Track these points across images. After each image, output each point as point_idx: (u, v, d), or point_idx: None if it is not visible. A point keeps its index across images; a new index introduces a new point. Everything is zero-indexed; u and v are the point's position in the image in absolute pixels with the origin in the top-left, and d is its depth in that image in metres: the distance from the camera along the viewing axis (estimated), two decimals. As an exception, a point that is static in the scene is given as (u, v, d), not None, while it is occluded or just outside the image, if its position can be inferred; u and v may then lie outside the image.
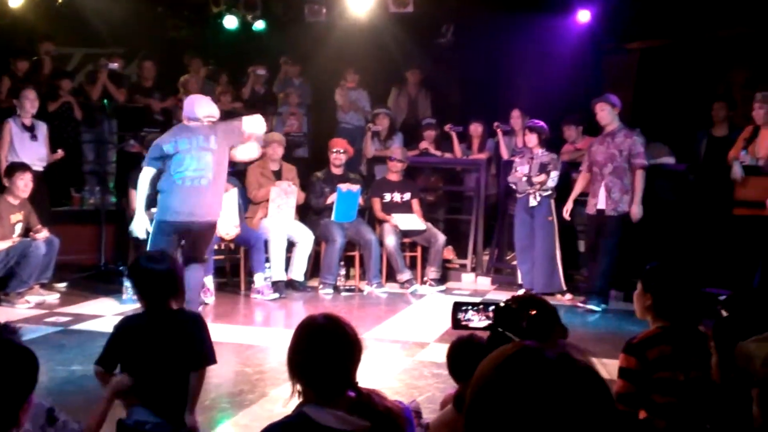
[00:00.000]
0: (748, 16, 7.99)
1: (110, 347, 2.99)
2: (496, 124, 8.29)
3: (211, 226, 5.76)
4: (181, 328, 3.01)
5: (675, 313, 2.79)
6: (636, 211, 6.63)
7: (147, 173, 5.53)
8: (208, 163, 5.48)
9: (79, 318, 5.99)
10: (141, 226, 5.63)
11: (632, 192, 6.63)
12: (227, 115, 8.65)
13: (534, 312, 2.02)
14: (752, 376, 1.80)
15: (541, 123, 7.28)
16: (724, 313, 3.36)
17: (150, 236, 5.50)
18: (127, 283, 6.58)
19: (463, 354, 2.65)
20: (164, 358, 2.94)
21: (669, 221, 7.09)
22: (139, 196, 5.62)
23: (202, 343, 3.06)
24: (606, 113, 6.72)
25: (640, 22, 8.65)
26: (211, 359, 3.09)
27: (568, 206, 7.04)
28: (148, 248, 5.35)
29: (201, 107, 5.58)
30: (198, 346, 3.04)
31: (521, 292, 7.12)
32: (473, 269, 8.19)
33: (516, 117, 8.31)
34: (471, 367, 2.51)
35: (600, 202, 6.76)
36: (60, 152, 7.45)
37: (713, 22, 8.30)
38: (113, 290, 6.86)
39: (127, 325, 3.05)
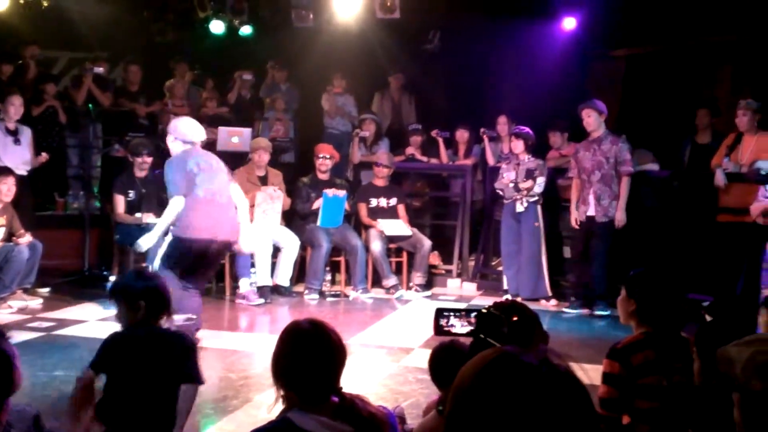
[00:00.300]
0: (732, 23, 8.06)
1: (104, 354, 2.88)
2: (482, 130, 8.32)
3: (227, 248, 5.51)
4: (170, 346, 2.92)
5: (658, 318, 2.80)
6: (620, 218, 6.69)
7: (179, 203, 5.06)
8: (224, 182, 5.28)
9: (63, 323, 5.94)
10: (150, 242, 5.39)
11: (611, 192, 6.72)
12: (213, 120, 8.67)
13: (515, 318, 2.02)
14: (733, 380, 1.81)
15: (527, 129, 7.31)
16: (708, 318, 3.39)
17: (163, 254, 5.08)
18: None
19: (444, 360, 2.64)
20: (154, 375, 2.85)
21: (653, 228, 7.14)
22: (163, 223, 5.19)
23: (192, 363, 2.98)
24: (593, 119, 6.76)
25: (626, 29, 8.71)
26: (200, 379, 3.01)
27: (575, 215, 7.01)
28: (159, 265, 4.99)
29: (198, 130, 5.34)
30: (188, 365, 2.96)
31: (506, 297, 7.14)
32: (459, 275, 8.20)
33: (502, 123, 8.34)
34: (452, 373, 2.51)
35: (590, 208, 6.82)
36: (44, 155, 7.39)
37: (698, 30, 8.37)
38: (97, 295, 6.82)
39: (122, 335, 2.96)
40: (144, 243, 5.44)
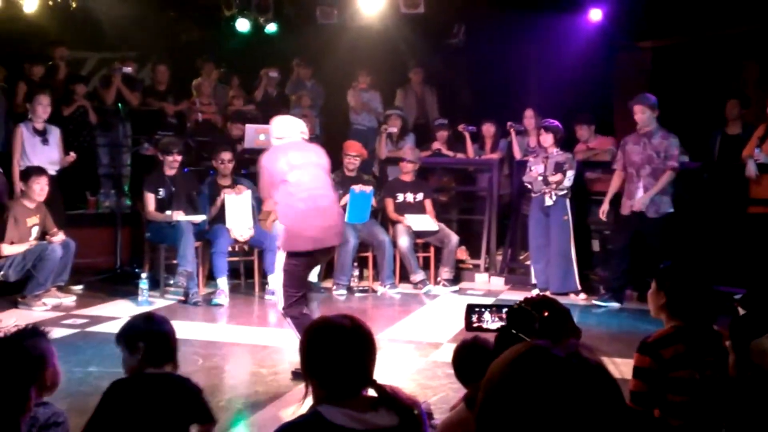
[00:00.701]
0: (759, 13, 7.94)
1: (99, 416, 2.57)
2: (509, 123, 8.28)
3: (332, 252, 5.15)
4: (174, 390, 2.66)
5: (689, 312, 2.78)
6: (643, 201, 6.58)
7: (272, 205, 4.78)
8: (325, 180, 4.83)
9: (96, 320, 6.04)
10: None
11: (655, 186, 6.58)
12: (240, 116, 8.74)
13: (546, 313, 2.02)
14: (766, 372, 1.80)
15: (556, 123, 7.27)
16: (741, 311, 3.35)
17: (283, 276, 4.64)
18: (142, 285, 6.64)
19: (468, 357, 2.65)
20: (159, 422, 2.58)
21: (683, 220, 7.05)
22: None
23: (200, 404, 2.72)
24: (646, 116, 6.61)
25: (652, 20, 8.61)
26: (210, 417, 2.75)
27: (605, 207, 6.96)
28: (284, 291, 4.60)
29: (289, 124, 4.92)
30: (196, 407, 2.70)
31: (535, 291, 7.11)
32: (486, 269, 8.18)
33: (529, 117, 8.30)
34: (476, 369, 2.52)
35: (637, 203, 6.68)
36: (72, 155, 7.48)
37: (725, 20, 8.26)
38: (129, 292, 6.92)
39: (118, 391, 2.63)
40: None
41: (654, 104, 6.64)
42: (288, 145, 4.76)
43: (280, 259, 4.68)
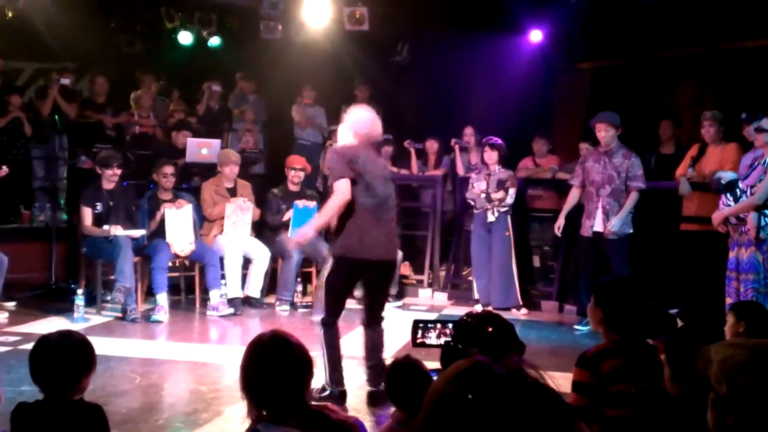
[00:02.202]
0: (693, 37, 8.24)
1: None
2: (453, 140, 8.39)
3: (393, 266, 4.82)
4: (82, 423, 2.44)
5: (626, 326, 2.85)
6: (614, 224, 6.40)
7: (347, 186, 4.33)
8: (391, 193, 4.58)
9: (29, 337, 5.83)
10: (305, 235, 4.79)
11: (620, 208, 6.44)
12: (185, 125, 8.63)
13: (491, 329, 2.05)
14: (708, 380, 1.84)
15: (500, 141, 7.38)
16: (680, 323, 3.45)
17: (328, 281, 4.46)
18: (78, 301, 6.47)
19: (399, 376, 2.65)
20: None
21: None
22: (329, 212, 4.44)
23: None
24: (609, 135, 6.48)
25: (591, 42, 8.86)
26: None
27: (560, 222, 6.81)
28: (326, 296, 4.45)
29: (376, 123, 4.55)
30: None
31: (478, 307, 7.19)
32: (430, 285, 8.23)
33: (469, 134, 8.43)
34: (408, 388, 2.52)
35: (597, 224, 6.54)
36: (4, 169, 7.25)
37: (660, 43, 8.55)
38: (64, 309, 6.73)
39: (26, 418, 2.44)
40: (299, 235, 4.87)
41: (617, 122, 6.54)
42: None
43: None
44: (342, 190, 4.30)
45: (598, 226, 6.54)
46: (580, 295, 6.75)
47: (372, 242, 4.36)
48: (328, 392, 4.46)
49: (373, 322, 4.66)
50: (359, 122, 4.52)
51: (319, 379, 4.40)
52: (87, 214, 6.87)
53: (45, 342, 2.53)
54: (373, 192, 4.38)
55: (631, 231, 6.55)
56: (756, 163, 5.60)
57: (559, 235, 6.94)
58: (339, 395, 4.48)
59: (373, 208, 4.39)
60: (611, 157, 6.52)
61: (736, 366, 1.79)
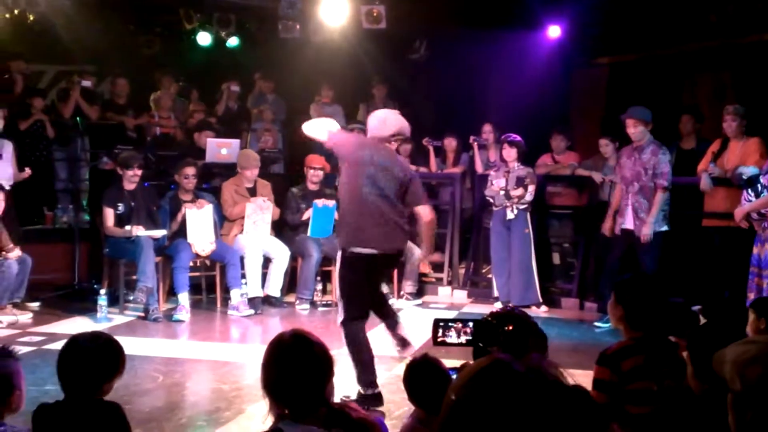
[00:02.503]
0: (712, 30, 8.16)
1: None
2: (472, 138, 8.37)
3: (389, 260, 4.69)
4: (103, 422, 2.45)
5: (646, 323, 2.84)
6: (645, 231, 6.28)
7: (336, 128, 4.57)
8: (396, 193, 4.45)
9: (53, 337, 5.91)
10: None
11: (649, 206, 6.33)
12: (206, 125, 8.68)
13: (510, 327, 2.06)
14: (724, 381, 1.84)
15: (519, 137, 7.35)
16: (703, 320, 3.43)
17: (339, 276, 4.46)
18: (101, 301, 6.54)
19: (418, 375, 2.65)
20: None
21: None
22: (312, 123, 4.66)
23: None
24: (639, 130, 6.37)
25: (609, 37, 8.80)
26: None
27: (608, 223, 6.66)
28: (340, 293, 4.45)
29: (388, 121, 4.56)
30: None
31: (498, 305, 7.17)
32: (449, 283, 8.23)
33: (488, 131, 8.40)
34: (427, 387, 2.52)
35: (627, 221, 6.46)
36: (27, 171, 7.35)
37: (679, 37, 8.47)
38: (87, 309, 6.80)
39: (47, 419, 2.45)
40: None
41: (647, 117, 6.42)
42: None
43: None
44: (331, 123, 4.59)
45: (629, 224, 6.45)
46: (603, 292, 6.68)
47: (368, 236, 4.34)
48: (363, 395, 4.32)
49: (381, 316, 4.71)
50: (370, 122, 4.67)
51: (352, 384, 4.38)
52: (109, 215, 6.94)
53: (75, 342, 2.54)
54: (377, 185, 4.36)
55: (666, 229, 6.39)
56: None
57: (609, 235, 6.70)
58: (374, 398, 4.34)
59: (375, 201, 4.35)
60: (641, 153, 6.42)
61: (748, 361, 1.78)
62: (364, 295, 4.45)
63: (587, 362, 3.21)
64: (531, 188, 7.26)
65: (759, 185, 5.54)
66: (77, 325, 6.39)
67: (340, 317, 4.46)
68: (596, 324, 6.66)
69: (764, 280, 5.43)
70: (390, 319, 4.76)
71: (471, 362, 1.48)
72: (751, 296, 5.43)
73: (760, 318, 3.39)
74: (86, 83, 8.66)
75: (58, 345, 5.80)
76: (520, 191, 7.24)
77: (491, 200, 7.49)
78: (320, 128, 4.59)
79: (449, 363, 2.60)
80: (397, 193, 4.44)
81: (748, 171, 5.78)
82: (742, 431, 1.81)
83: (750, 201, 5.60)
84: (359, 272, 4.36)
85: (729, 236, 6.23)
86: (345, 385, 4.26)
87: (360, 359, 4.39)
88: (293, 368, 2.05)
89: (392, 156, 4.56)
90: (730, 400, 1.84)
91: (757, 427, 1.77)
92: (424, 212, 4.60)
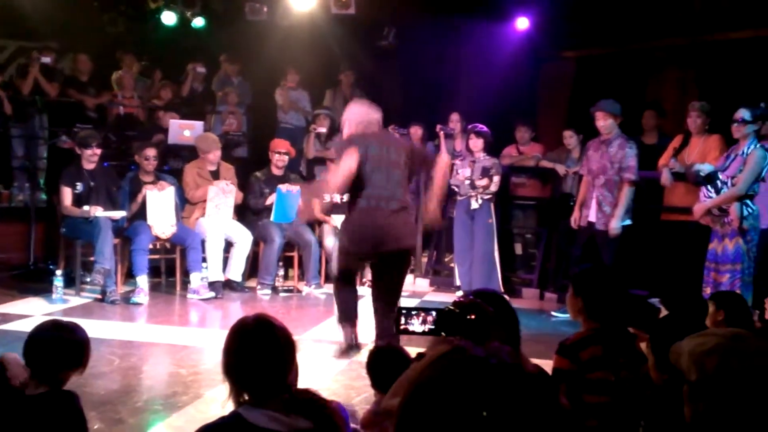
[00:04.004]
0: (678, 27, 8.27)
1: None
2: (438, 126, 8.35)
3: (406, 254, 4.85)
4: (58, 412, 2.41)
5: (605, 314, 2.87)
6: (613, 226, 6.30)
7: (352, 159, 4.43)
8: (398, 181, 4.61)
9: (7, 318, 5.79)
10: None
11: (613, 199, 6.36)
12: (172, 106, 8.54)
13: (473, 316, 2.06)
14: (681, 372, 1.86)
15: (486, 128, 7.37)
16: (664, 312, 3.48)
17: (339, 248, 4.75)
18: (57, 282, 6.42)
19: (381, 361, 2.65)
20: None
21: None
22: (335, 181, 4.63)
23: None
24: (608, 123, 6.39)
25: (577, 31, 8.86)
26: None
27: (576, 215, 6.67)
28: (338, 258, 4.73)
29: (370, 110, 4.74)
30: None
31: (459, 293, 7.20)
32: (412, 271, 8.22)
33: (455, 121, 8.40)
34: (390, 374, 2.52)
35: (591, 214, 6.49)
36: None
37: (645, 33, 8.56)
38: (42, 289, 6.67)
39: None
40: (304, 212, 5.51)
41: (617, 110, 6.43)
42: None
43: None
44: (347, 160, 4.42)
45: (592, 216, 6.50)
46: (563, 282, 6.74)
47: (360, 238, 4.58)
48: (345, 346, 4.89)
49: (379, 308, 4.76)
50: (352, 114, 4.75)
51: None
52: (67, 194, 6.80)
53: (42, 331, 2.57)
54: (373, 184, 4.47)
55: (628, 223, 6.43)
56: (734, 154, 5.65)
57: (576, 227, 6.71)
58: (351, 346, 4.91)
59: (370, 201, 4.50)
60: (608, 146, 6.45)
61: (705, 352, 1.81)
62: (351, 268, 4.92)
63: (547, 352, 3.24)
64: (496, 179, 7.29)
65: (719, 181, 5.64)
66: (32, 305, 6.27)
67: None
68: (553, 313, 6.74)
69: (721, 275, 5.53)
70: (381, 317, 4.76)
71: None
72: (708, 290, 5.53)
73: (718, 310, 3.46)
74: (46, 59, 8.45)
75: (12, 326, 5.72)
76: (485, 181, 7.26)
77: (456, 189, 7.50)
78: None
79: (412, 351, 2.60)
80: (398, 185, 4.61)
81: (705, 168, 5.86)
82: (696, 422, 1.83)
83: (710, 197, 5.69)
84: (351, 262, 4.92)
85: (687, 231, 6.33)
86: (308, 372, 4.24)
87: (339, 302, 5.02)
88: (255, 353, 2.03)
89: (390, 142, 4.75)
90: (686, 391, 1.86)
91: (710, 418, 1.80)
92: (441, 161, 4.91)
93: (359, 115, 4.77)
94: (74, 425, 2.44)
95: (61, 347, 2.49)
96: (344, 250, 4.78)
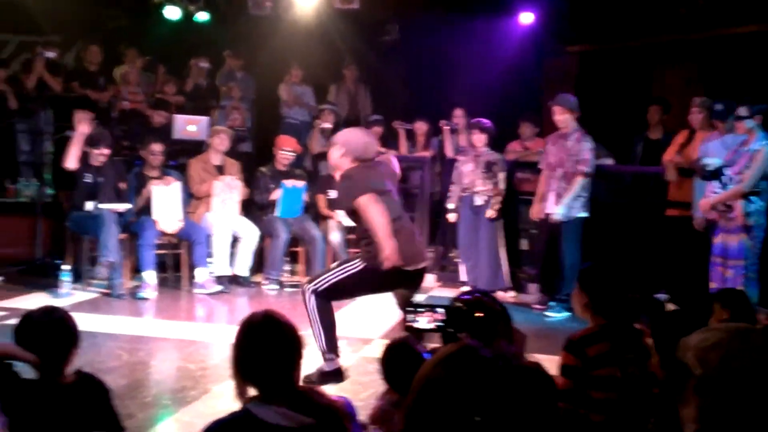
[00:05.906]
0: (683, 22, 8.25)
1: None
2: (442, 122, 8.36)
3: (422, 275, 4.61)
4: (82, 399, 2.49)
5: (611, 311, 2.88)
6: (556, 212, 6.42)
7: (375, 197, 4.24)
8: (399, 202, 4.60)
9: (14, 312, 5.79)
10: None
11: (566, 193, 6.42)
12: (162, 103, 8.54)
13: (481, 314, 2.08)
14: (688, 367, 1.88)
15: (489, 123, 7.37)
16: (670, 308, 3.50)
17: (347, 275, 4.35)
18: (64, 277, 6.44)
19: (395, 357, 2.66)
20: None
21: (607, 222, 7.25)
22: (384, 231, 4.16)
23: (110, 415, 2.58)
24: (564, 118, 6.48)
25: (580, 25, 8.85)
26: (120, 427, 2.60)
27: (536, 207, 6.80)
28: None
29: (372, 145, 4.55)
30: (106, 419, 2.56)
31: (465, 289, 7.21)
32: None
33: (459, 116, 8.40)
34: (404, 370, 2.54)
35: (549, 206, 6.59)
36: None
37: (650, 28, 8.55)
38: (49, 284, 6.69)
39: (14, 400, 2.41)
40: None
41: (573, 105, 6.50)
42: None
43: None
44: (373, 203, 4.17)
45: (550, 209, 6.59)
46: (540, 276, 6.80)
47: (412, 254, 4.30)
48: (324, 372, 4.21)
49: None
50: (351, 145, 4.42)
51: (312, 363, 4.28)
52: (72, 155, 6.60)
53: (28, 319, 2.58)
54: (390, 208, 4.30)
55: (585, 215, 6.50)
56: (741, 150, 5.65)
57: (536, 219, 6.85)
58: (335, 374, 4.27)
59: (400, 221, 4.38)
60: (566, 140, 6.54)
61: (709, 347, 1.83)
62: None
63: (553, 347, 3.25)
64: (501, 176, 7.29)
65: (725, 176, 5.64)
66: (39, 300, 6.29)
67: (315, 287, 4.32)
68: (546, 314, 6.52)
69: (729, 270, 5.53)
70: None
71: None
72: (714, 285, 5.54)
73: (723, 308, 3.47)
74: (50, 54, 8.46)
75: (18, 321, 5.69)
76: (489, 186, 7.25)
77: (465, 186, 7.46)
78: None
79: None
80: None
81: (713, 162, 5.86)
82: (703, 415, 1.85)
83: (716, 193, 5.70)
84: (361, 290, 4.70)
85: (692, 226, 6.33)
86: (315, 368, 4.27)
87: (327, 323, 4.30)
88: (264, 349, 2.05)
89: (384, 168, 4.58)
90: (692, 385, 1.87)
91: (716, 411, 1.82)
92: None
93: (355, 143, 4.45)
94: (110, 410, 2.57)
95: (53, 329, 2.52)
96: (379, 274, 4.21)
